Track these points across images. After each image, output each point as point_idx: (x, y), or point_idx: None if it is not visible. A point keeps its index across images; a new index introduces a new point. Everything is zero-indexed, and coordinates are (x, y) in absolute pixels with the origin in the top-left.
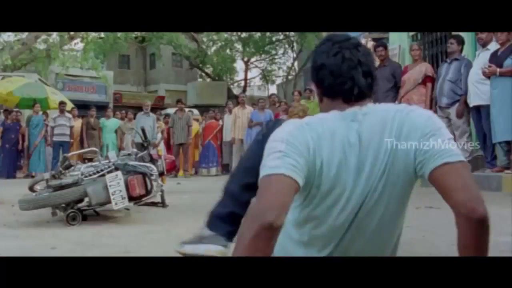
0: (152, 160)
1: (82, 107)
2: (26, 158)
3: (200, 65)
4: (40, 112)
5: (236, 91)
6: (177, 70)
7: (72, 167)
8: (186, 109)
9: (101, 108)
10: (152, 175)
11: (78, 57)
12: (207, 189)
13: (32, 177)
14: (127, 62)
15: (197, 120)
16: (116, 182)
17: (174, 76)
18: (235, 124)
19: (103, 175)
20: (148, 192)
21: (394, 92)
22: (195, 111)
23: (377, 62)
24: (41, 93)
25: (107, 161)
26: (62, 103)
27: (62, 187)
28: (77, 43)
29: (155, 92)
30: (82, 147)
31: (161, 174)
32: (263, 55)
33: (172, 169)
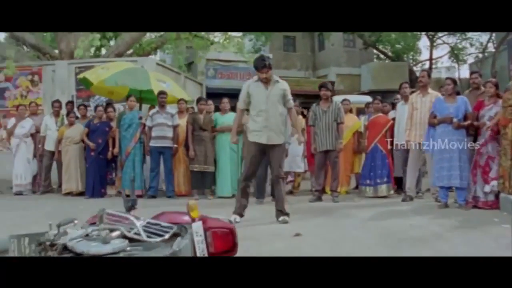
0: None
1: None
2: (119, 169)
3: (376, 43)
4: (136, 108)
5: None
6: (349, 50)
7: None
8: (336, 99)
9: None
10: None
11: (217, 38)
12: None
13: (128, 196)
14: (293, 44)
15: (358, 112)
16: None
17: (346, 58)
18: (412, 120)
19: None
20: None
21: None
22: (361, 98)
23: None
24: (143, 82)
25: None
26: (161, 94)
27: None
28: None
29: (325, 77)
30: (187, 155)
31: None
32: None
33: (227, 250)
